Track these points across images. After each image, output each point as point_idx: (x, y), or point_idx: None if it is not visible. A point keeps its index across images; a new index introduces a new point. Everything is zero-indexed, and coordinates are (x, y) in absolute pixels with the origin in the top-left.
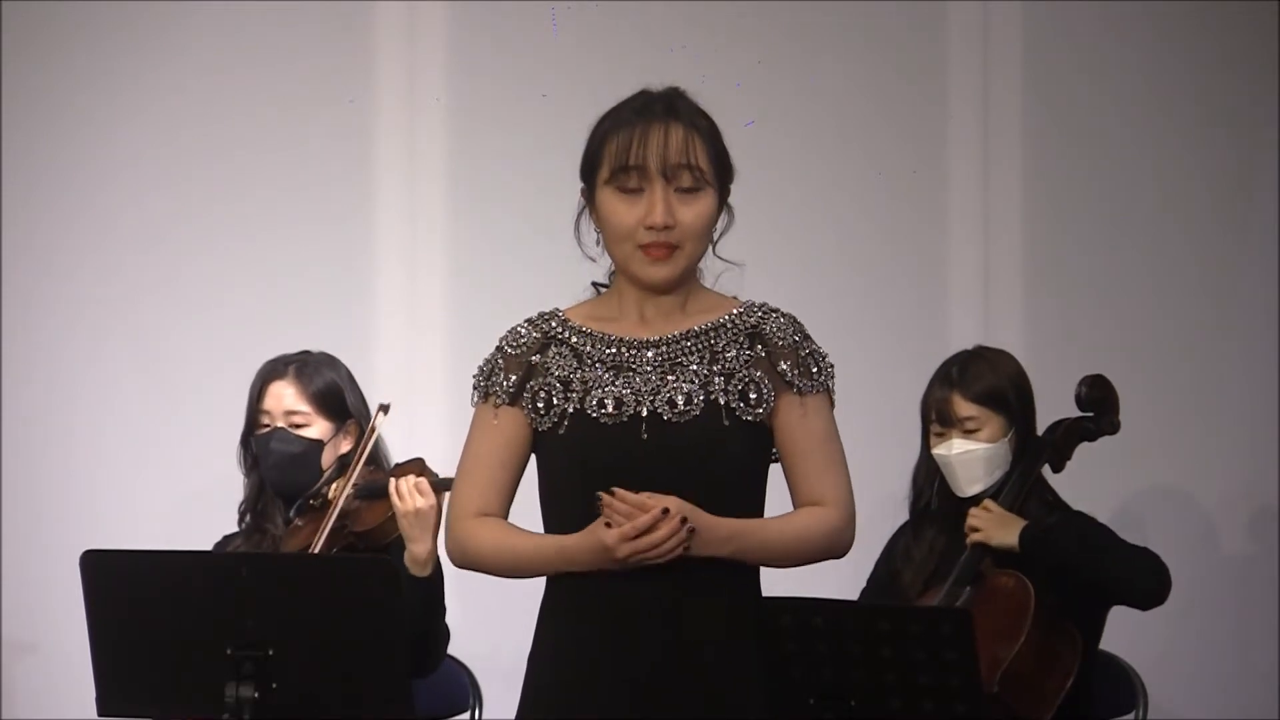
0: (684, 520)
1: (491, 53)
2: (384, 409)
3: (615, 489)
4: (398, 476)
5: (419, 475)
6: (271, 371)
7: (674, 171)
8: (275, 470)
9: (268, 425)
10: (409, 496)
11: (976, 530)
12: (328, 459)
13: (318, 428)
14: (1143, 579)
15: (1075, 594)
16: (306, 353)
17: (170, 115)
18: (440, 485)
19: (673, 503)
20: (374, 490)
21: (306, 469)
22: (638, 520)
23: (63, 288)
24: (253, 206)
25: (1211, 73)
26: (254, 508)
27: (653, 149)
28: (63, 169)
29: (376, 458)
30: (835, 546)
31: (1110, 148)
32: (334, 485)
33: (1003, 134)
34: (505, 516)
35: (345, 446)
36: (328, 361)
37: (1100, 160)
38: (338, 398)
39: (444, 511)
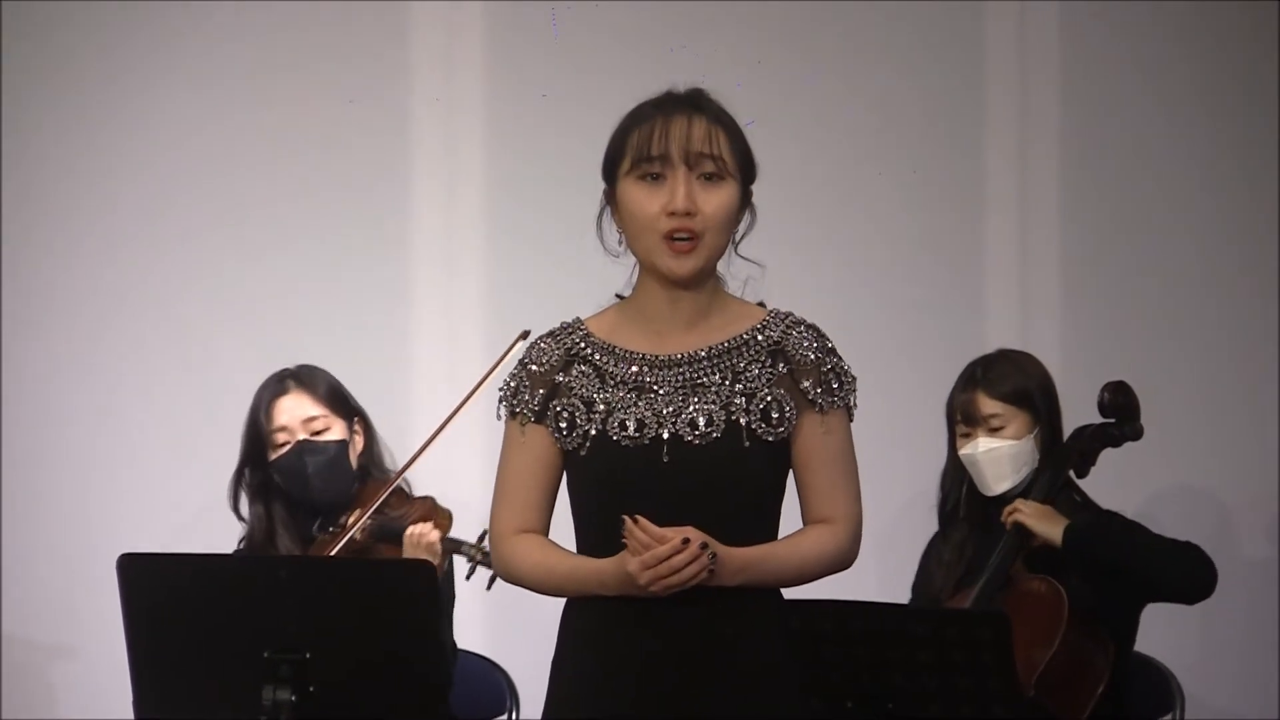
0: (704, 545)
1: (528, 53)
2: (525, 336)
3: (638, 517)
4: (411, 520)
5: (434, 525)
6: (271, 393)
7: (696, 159)
8: (318, 480)
9: (287, 443)
10: (415, 551)
11: (1019, 513)
12: (352, 460)
13: (337, 428)
14: (1190, 573)
15: (1118, 592)
16: (286, 369)
17: (204, 118)
18: (450, 546)
19: (691, 532)
20: (390, 533)
21: (343, 472)
22: (657, 550)
23: (101, 292)
24: (289, 210)
25: (1255, 69)
26: (267, 538)
27: (675, 136)
28: (111, 172)
29: (384, 465)
30: (839, 564)
31: (1150, 147)
32: (352, 515)
33: (1040, 134)
34: (546, 530)
35: (359, 445)
36: (314, 368)
37: (1140, 160)
38: (342, 395)
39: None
